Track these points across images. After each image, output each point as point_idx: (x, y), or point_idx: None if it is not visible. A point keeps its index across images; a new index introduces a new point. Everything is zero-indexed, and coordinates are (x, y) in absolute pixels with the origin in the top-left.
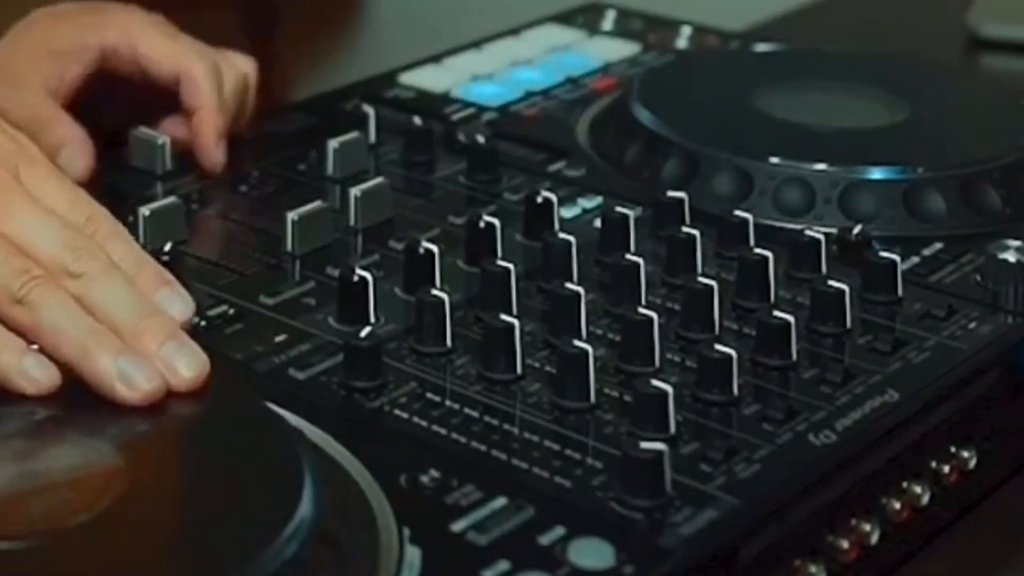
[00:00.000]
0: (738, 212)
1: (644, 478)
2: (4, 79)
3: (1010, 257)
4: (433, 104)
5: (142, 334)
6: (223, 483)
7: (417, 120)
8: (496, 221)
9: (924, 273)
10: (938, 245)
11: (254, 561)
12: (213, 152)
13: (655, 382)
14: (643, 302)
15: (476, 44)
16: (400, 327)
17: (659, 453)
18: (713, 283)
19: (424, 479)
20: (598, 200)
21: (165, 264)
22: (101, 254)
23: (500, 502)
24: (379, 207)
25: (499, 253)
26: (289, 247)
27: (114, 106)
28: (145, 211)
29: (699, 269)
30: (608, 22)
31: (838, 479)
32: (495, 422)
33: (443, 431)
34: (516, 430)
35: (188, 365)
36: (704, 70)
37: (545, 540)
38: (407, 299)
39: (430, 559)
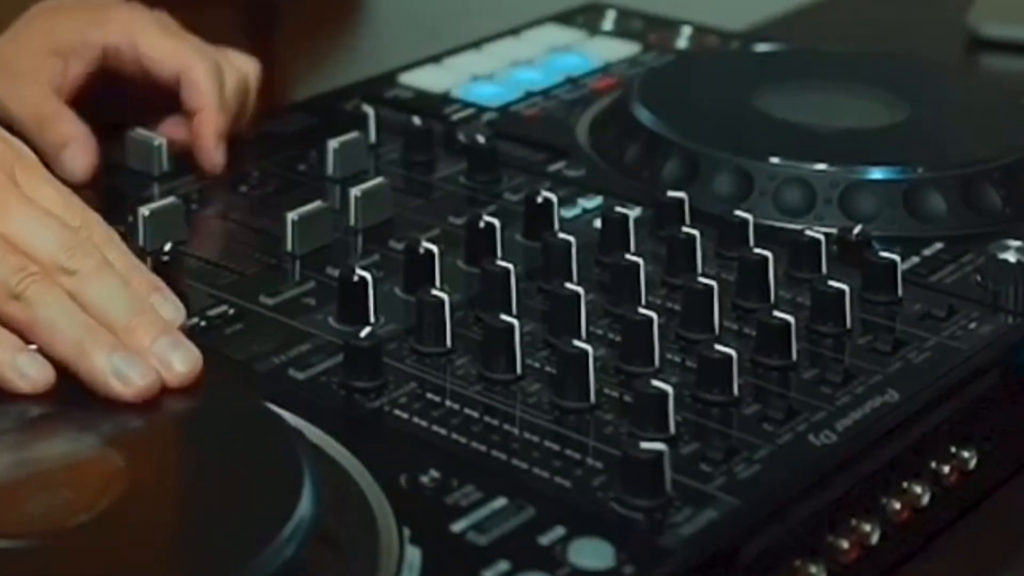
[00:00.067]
0: (738, 212)
1: (644, 478)
2: (5, 75)
3: (1010, 257)
4: (433, 104)
5: (135, 330)
6: (223, 483)
7: (417, 120)
8: (496, 221)
9: (924, 273)
10: (938, 245)
11: (254, 561)
12: (213, 154)
13: (655, 382)
14: (643, 302)
15: (476, 44)
16: (400, 327)
17: (659, 453)
18: (713, 283)
19: (424, 479)
20: (598, 200)
21: (165, 264)
22: (96, 252)
23: (500, 502)
24: (379, 207)
25: (499, 253)
26: (289, 247)
27: (116, 103)
28: (145, 211)
29: (699, 269)
30: (608, 22)
31: (838, 479)
32: (495, 422)
33: (443, 431)
34: (516, 430)
35: (182, 360)
36: (704, 70)
37: (545, 540)
38: (407, 299)
39: (430, 559)
